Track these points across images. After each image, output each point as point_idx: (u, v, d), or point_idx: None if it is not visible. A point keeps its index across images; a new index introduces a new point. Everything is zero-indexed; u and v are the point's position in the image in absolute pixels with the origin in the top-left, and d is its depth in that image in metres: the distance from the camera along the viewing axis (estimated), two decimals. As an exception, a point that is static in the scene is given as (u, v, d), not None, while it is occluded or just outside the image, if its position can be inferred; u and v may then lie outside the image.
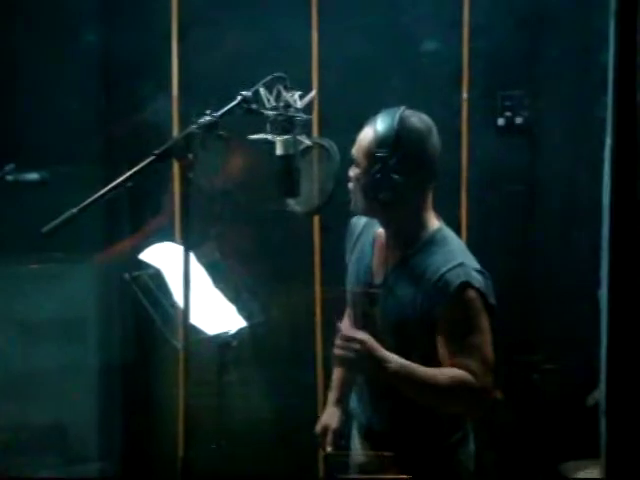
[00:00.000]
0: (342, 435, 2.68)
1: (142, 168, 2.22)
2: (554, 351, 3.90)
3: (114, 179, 2.16)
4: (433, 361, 2.38)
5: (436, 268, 2.40)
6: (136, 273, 2.63)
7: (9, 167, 3.25)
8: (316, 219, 3.84)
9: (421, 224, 2.50)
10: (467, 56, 3.87)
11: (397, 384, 2.33)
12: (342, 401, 2.76)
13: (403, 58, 3.92)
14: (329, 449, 2.62)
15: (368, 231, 2.65)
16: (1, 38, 3.94)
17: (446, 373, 2.34)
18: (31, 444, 3.45)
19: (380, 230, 2.59)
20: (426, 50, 3.93)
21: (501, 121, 3.96)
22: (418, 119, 2.47)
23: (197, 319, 2.60)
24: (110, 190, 2.20)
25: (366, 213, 2.55)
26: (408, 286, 2.44)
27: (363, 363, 2.30)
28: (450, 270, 2.38)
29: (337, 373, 2.79)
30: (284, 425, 3.93)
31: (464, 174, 3.91)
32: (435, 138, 2.47)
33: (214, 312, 2.74)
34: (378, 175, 2.41)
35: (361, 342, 2.29)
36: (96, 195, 2.18)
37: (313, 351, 3.88)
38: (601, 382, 1.96)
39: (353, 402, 2.72)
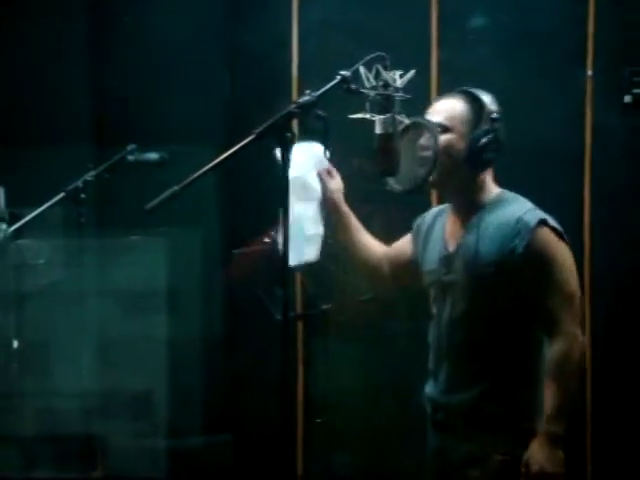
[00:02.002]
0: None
1: (242, 147, 2.28)
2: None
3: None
4: (508, 315, 2.50)
5: (511, 214, 2.54)
6: (243, 250, 2.71)
7: (130, 147, 3.38)
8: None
9: (489, 189, 2.63)
10: (592, 30, 3.77)
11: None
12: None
13: (525, 33, 3.85)
14: None
15: (436, 221, 2.74)
16: (137, 17, 4.07)
17: (552, 369, 2.45)
18: (124, 411, 3.59)
19: (448, 211, 2.70)
20: (550, 25, 3.85)
21: (628, 98, 3.84)
22: None
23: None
24: (211, 169, 2.27)
25: (444, 180, 2.60)
26: (484, 238, 2.54)
27: None
28: (526, 213, 2.54)
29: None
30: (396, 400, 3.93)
31: (588, 155, 3.82)
32: None
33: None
34: (480, 138, 2.53)
35: None
36: (198, 173, 2.26)
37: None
38: None
39: (429, 386, 2.71)
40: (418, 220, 2.82)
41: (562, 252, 2.51)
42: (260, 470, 3.78)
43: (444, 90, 2.88)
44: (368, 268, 2.82)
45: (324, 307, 2.96)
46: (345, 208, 2.78)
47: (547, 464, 2.42)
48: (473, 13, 3.89)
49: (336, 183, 2.77)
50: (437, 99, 2.73)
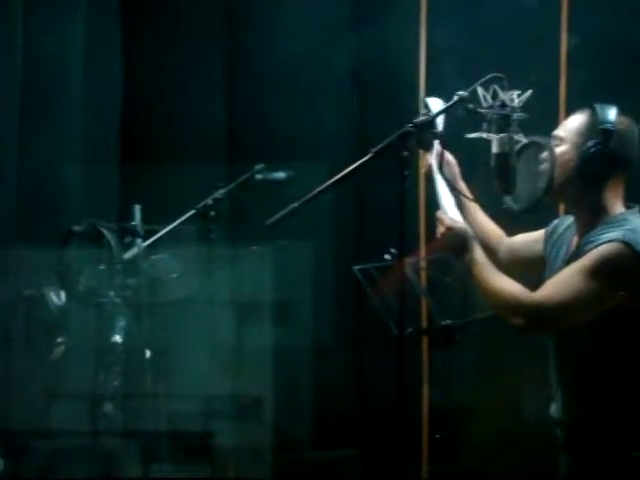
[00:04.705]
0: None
1: (360, 165, 2.36)
2: None
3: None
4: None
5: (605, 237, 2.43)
6: (363, 266, 2.76)
7: (259, 167, 3.49)
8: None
9: (609, 208, 2.54)
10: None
11: (470, 271, 2.52)
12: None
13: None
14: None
15: (567, 231, 2.69)
16: (264, 35, 4.21)
17: (509, 280, 2.47)
18: (235, 415, 3.69)
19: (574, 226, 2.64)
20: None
21: None
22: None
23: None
24: (330, 186, 2.36)
25: (557, 191, 2.56)
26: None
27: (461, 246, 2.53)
28: (610, 234, 2.41)
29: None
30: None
31: None
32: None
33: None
34: (592, 149, 2.48)
35: (461, 229, 2.53)
36: (317, 190, 2.34)
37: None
38: None
39: (553, 404, 2.70)
40: (556, 222, 2.78)
41: (600, 272, 2.37)
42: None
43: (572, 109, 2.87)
44: (485, 249, 2.73)
45: (444, 323, 2.98)
46: (461, 184, 2.77)
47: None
48: (602, 33, 3.86)
49: (451, 159, 2.76)
50: (567, 116, 2.70)
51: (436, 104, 2.59)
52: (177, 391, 3.50)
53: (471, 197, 2.75)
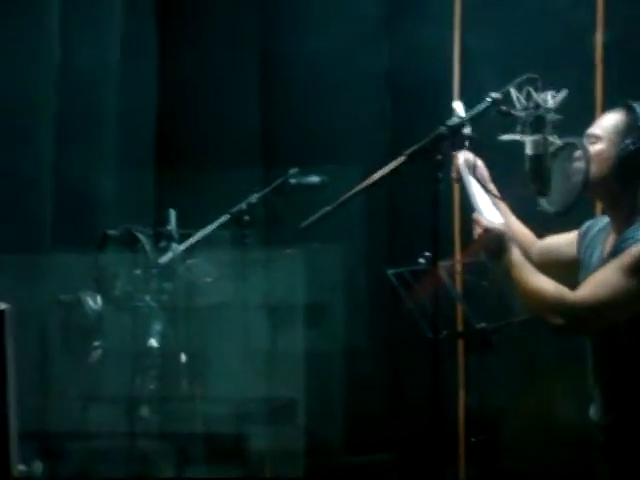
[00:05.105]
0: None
1: (394, 168, 2.36)
2: None
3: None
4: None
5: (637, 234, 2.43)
6: (397, 269, 2.77)
7: (293, 171, 3.49)
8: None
9: None
10: None
11: (509, 272, 2.51)
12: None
13: None
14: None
15: (601, 232, 2.68)
16: (299, 40, 4.22)
17: (548, 280, 2.46)
18: (269, 418, 3.70)
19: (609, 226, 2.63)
20: None
21: None
22: None
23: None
24: (363, 189, 2.36)
25: (593, 190, 2.56)
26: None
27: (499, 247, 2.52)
28: None
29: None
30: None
31: None
32: None
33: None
34: (631, 147, 2.47)
35: (499, 230, 2.52)
36: (350, 193, 2.35)
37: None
38: None
39: (592, 407, 2.68)
40: (589, 223, 2.77)
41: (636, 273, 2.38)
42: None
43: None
44: None
45: (479, 326, 2.98)
46: (491, 185, 2.77)
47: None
48: (637, 31, 3.82)
49: (479, 162, 2.75)
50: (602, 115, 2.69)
51: (460, 108, 2.59)
52: (212, 394, 3.51)
53: (501, 198, 2.75)
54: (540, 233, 2.86)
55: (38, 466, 3.29)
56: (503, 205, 2.80)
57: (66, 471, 3.44)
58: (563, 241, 2.82)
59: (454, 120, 2.39)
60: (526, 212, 2.80)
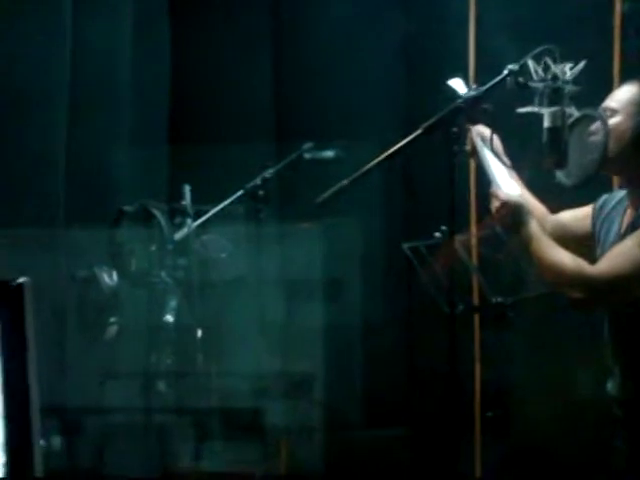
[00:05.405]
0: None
1: (410, 142, 2.35)
2: None
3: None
4: None
5: None
6: (413, 243, 2.75)
7: (307, 146, 3.48)
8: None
9: None
10: None
11: (527, 245, 2.50)
12: None
13: None
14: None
15: (617, 206, 2.65)
16: (314, 12, 4.17)
17: (567, 253, 2.45)
18: (286, 393, 3.72)
19: (627, 199, 2.60)
20: None
21: None
22: None
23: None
24: (379, 163, 2.35)
25: (611, 163, 2.53)
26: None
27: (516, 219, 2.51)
28: None
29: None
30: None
31: None
32: None
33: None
34: None
35: (516, 203, 2.51)
36: (366, 167, 2.34)
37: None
38: None
39: (609, 382, 2.67)
40: (604, 197, 2.74)
41: None
42: (436, 465, 3.81)
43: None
44: None
45: (495, 301, 2.96)
46: (504, 158, 2.72)
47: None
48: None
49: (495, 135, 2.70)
50: (618, 88, 2.66)
51: (459, 85, 2.56)
52: (228, 369, 3.53)
53: (513, 172, 2.71)
54: (553, 208, 2.84)
55: (57, 441, 3.31)
56: (513, 175, 2.75)
57: (83, 446, 3.46)
58: (579, 215, 2.79)
59: (471, 92, 2.36)
60: (539, 186, 2.77)
